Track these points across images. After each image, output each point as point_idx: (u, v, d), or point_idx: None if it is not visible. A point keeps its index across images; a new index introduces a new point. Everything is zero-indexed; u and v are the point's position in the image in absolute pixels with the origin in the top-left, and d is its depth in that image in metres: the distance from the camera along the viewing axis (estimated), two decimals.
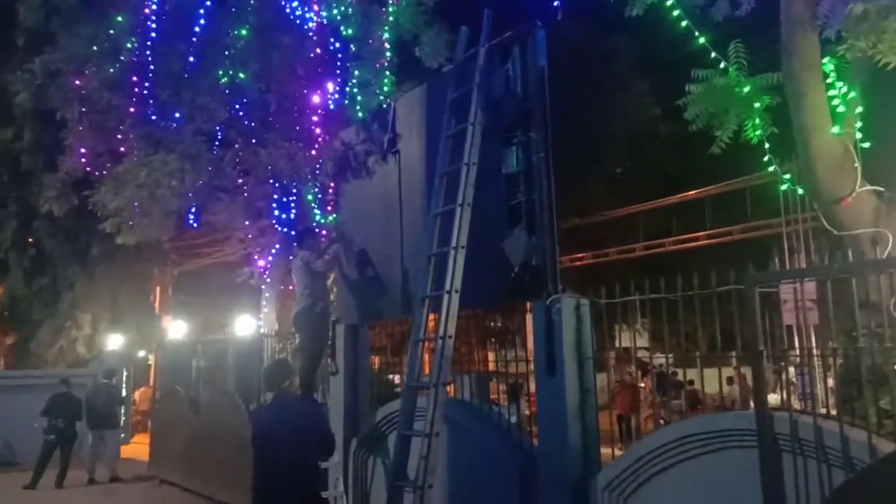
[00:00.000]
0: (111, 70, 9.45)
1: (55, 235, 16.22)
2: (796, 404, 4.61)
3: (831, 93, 5.05)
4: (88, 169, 10.35)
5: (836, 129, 4.87)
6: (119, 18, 9.45)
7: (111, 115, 9.74)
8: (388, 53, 9.35)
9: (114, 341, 16.60)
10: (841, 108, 5.00)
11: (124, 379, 15.45)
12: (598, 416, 5.24)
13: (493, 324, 12.25)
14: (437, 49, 9.37)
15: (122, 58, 9.41)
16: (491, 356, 8.10)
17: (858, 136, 4.92)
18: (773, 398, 5.55)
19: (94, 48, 9.55)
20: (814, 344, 4.79)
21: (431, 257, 6.01)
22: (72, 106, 10.20)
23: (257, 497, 4.58)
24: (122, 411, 14.57)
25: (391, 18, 9.37)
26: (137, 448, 14.57)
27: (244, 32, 8.94)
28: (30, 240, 16.76)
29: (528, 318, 5.92)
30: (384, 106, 8.35)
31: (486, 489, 5.74)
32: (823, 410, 4.11)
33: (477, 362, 10.65)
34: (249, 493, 8.57)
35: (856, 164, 4.79)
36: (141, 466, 12.37)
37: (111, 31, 9.49)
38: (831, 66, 5.11)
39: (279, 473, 4.50)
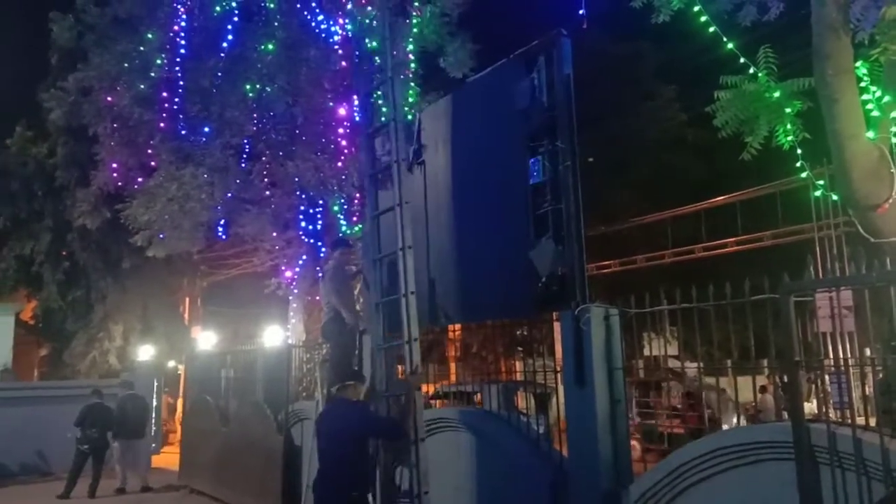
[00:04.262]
0: (142, 86, 9.67)
1: (88, 248, 16.57)
2: (831, 414, 4.50)
3: (865, 97, 4.95)
4: (120, 183, 10.59)
5: (870, 135, 4.77)
6: (149, 36, 9.66)
7: (142, 131, 9.96)
8: (412, 65, 9.41)
9: (145, 352, 16.83)
10: (875, 113, 4.90)
11: (154, 389, 15.63)
12: (628, 428, 5.16)
13: (520, 333, 12.20)
14: (462, 59, 9.42)
15: (153, 74, 9.62)
16: (518, 366, 8.06)
17: (894, 141, 4.81)
18: (807, 408, 5.44)
19: (126, 65, 9.78)
20: (848, 352, 4.68)
21: (377, 262, 6.16)
22: (104, 122, 10.47)
23: (315, 491, 4.96)
24: (153, 421, 14.79)
25: (415, 30, 9.43)
26: (167, 458, 14.74)
27: (271, 47, 9.07)
28: (63, 253, 17.13)
29: (557, 326, 5.88)
30: (409, 117, 8.39)
31: (517, 503, 5.68)
32: (860, 420, 4.00)
33: (504, 372, 10.60)
34: (279, 502, 8.64)
35: (892, 170, 4.68)
36: (171, 476, 12.50)
37: (142, 48, 9.71)
38: (864, 70, 5.01)
39: (327, 473, 4.90)
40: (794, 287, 4.12)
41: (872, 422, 3.94)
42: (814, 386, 6.26)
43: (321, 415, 5.29)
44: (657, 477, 4.76)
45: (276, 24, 9.12)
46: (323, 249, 10.15)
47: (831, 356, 4.70)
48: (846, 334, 4.72)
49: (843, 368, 4.42)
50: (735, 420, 9.82)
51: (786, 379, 4.41)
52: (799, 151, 5.56)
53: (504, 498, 5.83)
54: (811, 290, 4.42)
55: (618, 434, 5.07)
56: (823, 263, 7.55)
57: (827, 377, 5.36)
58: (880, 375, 4.49)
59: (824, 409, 4.46)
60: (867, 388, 4.28)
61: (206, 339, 20.05)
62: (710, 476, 4.48)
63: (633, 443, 10.56)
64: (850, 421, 3.93)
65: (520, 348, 15.44)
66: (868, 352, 4.42)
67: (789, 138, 5.44)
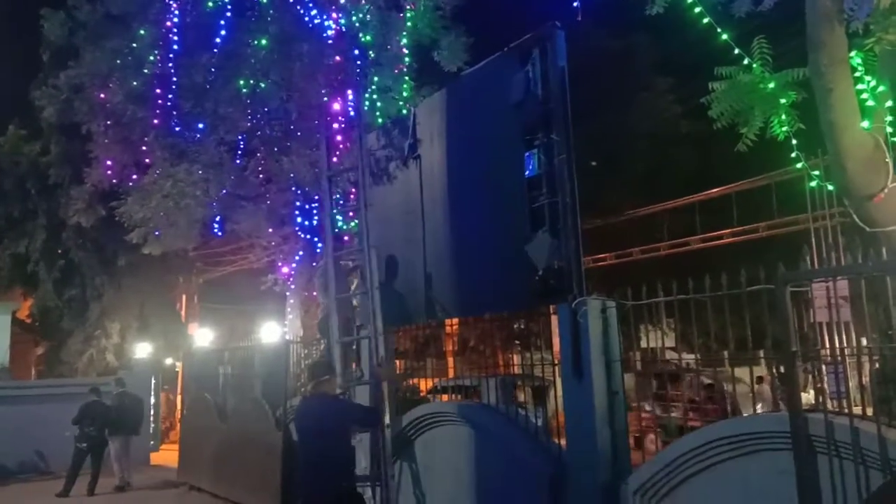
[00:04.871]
0: (135, 83, 9.60)
1: (83, 246, 16.51)
2: (828, 404, 4.52)
3: (860, 87, 4.95)
4: (114, 181, 10.53)
5: (865, 124, 4.77)
6: (141, 32, 9.59)
7: (135, 128, 9.90)
8: (406, 59, 9.37)
9: (142, 349, 16.82)
10: (870, 103, 4.91)
11: (152, 386, 15.62)
12: (627, 419, 5.18)
13: (517, 326, 12.20)
14: (456, 53, 9.38)
15: (146, 71, 9.56)
16: (516, 359, 8.08)
17: (889, 130, 4.82)
18: (804, 398, 5.45)
19: (118, 62, 9.72)
20: (844, 342, 4.69)
21: (338, 261, 6.62)
22: (97, 119, 10.40)
23: (303, 485, 5.09)
24: (151, 418, 14.81)
25: (409, 24, 9.39)
26: (167, 455, 14.75)
27: (264, 42, 9.02)
28: (59, 251, 17.07)
29: (554, 319, 5.89)
30: (404, 111, 8.37)
31: (515, 496, 5.70)
32: (856, 410, 4.01)
33: (502, 366, 10.62)
34: (278, 498, 8.65)
35: (887, 159, 4.69)
36: (169, 473, 12.52)
37: (134, 45, 9.64)
38: (859, 60, 5.01)
39: (315, 465, 4.97)
40: (790, 277, 4.13)
41: (869, 411, 3.96)
42: (811, 376, 6.28)
43: (300, 411, 5.32)
44: (655, 468, 4.78)
45: (269, 18, 9.06)
46: (319, 245, 10.13)
47: (828, 346, 4.70)
48: (842, 324, 4.73)
49: (839, 358, 4.43)
50: (758, 410, 9.79)
51: (783, 369, 4.43)
52: (794, 142, 5.56)
53: (503, 490, 5.85)
54: (808, 281, 4.42)
55: (616, 426, 5.08)
56: (819, 254, 7.56)
57: (823, 367, 5.39)
58: (876, 365, 4.51)
59: (821, 399, 4.47)
60: (864, 378, 4.29)
61: (203, 336, 20.03)
62: (708, 467, 4.50)
63: (652, 435, 10.47)
64: (846, 410, 3.94)
65: (517, 342, 15.45)
66: (864, 341, 4.43)
67: (784, 129, 5.45)
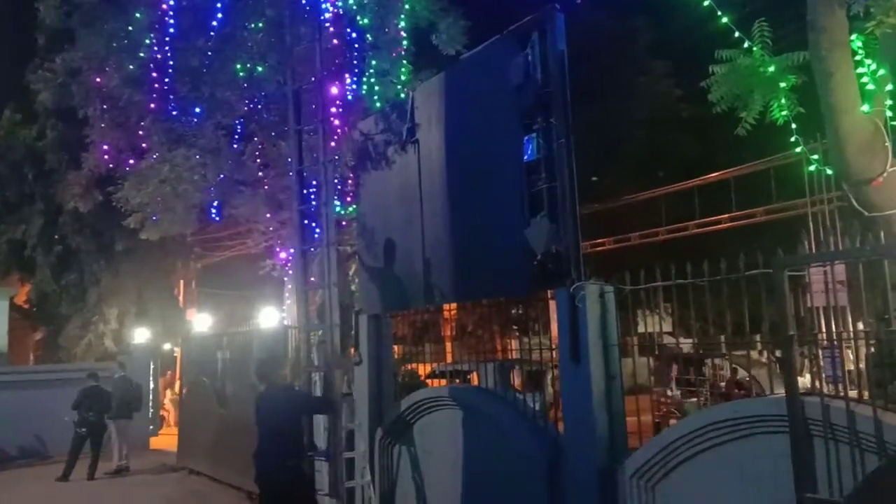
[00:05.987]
0: (131, 67, 9.53)
1: (81, 232, 16.47)
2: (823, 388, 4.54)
3: (860, 70, 4.93)
4: (111, 165, 10.48)
5: (865, 108, 4.76)
6: (137, 15, 9.49)
7: (132, 112, 9.84)
8: (404, 42, 9.29)
9: (140, 335, 16.85)
10: (871, 86, 4.89)
11: (151, 371, 15.68)
12: (624, 404, 5.20)
13: (516, 311, 12.21)
14: (454, 36, 9.31)
15: (142, 54, 9.47)
16: (514, 344, 8.10)
17: (889, 114, 4.81)
18: (800, 381, 5.47)
19: (114, 45, 9.63)
20: (841, 326, 4.71)
21: (303, 252, 6.85)
22: (93, 103, 10.33)
23: (256, 466, 5.58)
24: (150, 403, 14.88)
25: (407, 7, 9.30)
26: (166, 439, 14.83)
27: (261, 25, 8.94)
28: (56, 236, 17.03)
29: (552, 304, 5.90)
30: (402, 95, 8.32)
31: (513, 479, 5.74)
32: (852, 393, 4.04)
33: (500, 350, 10.67)
34: None
35: (887, 144, 4.68)
36: (169, 457, 12.60)
37: (130, 28, 9.54)
38: (859, 44, 4.98)
39: (264, 447, 5.54)
40: (788, 262, 4.13)
41: (865, 395, 3.98)
42: (807, 360, 6.30)
43: (260, 398, 5.79)
44: (652, 452, 4.81)
45: (265, 1, 8.97)
46: (317, 230, 10.10)
47: (824, 330, 4.72)
48: (839, 308, 4.74)
49: (836, 342, 4.44)
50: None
51: (780, 353, 4.44)
52: (793, 126, 5.55)
53: (502, 474, 5.89)
54: (805, 265, 4.43)
55: (613, 410, 5.11)
56: (817, 238, 7.56)
57: (820, 351, 5.40)
58: (872, 349, 4.53)
59: (817, 383, 4.49)
60: (860, 362, 4.31)
61: (201, 322, 20.05)
62: (704, 450, 4.53)
63: (673, 421, 10.50)
64: (843, 394, 3.96)
65: (515, 326, 15.49)
66: (861, 326, 4.44)
67: (783, 113, 5.43)
